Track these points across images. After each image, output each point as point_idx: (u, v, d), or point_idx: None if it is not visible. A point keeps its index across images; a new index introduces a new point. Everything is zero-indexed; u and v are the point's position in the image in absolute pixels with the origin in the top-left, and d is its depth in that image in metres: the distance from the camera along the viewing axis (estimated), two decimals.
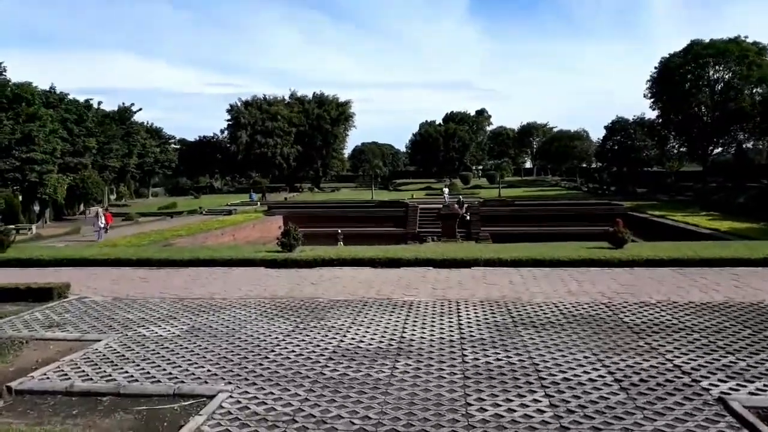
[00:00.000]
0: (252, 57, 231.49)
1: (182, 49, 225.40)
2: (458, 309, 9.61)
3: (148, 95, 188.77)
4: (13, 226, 39.47)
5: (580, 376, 6.51)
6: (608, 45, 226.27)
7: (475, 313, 9.35)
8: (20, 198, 46.34)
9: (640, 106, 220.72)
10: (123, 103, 76.61)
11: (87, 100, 61.49)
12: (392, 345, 7.76)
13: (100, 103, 67.97)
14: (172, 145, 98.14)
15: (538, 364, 6.92)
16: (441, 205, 50.24)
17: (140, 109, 78.81)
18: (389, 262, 14.47)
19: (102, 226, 31.39)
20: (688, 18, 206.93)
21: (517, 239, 45.21)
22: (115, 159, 67.11)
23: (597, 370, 6.72)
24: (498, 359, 7.13)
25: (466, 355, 7.27)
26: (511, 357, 7.21)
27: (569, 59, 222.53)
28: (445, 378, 6.48)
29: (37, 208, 50.96)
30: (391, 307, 9.84)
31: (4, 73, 45.08)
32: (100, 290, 12.28)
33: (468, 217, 45.82)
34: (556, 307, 9.72)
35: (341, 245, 42.59)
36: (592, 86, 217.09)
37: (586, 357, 7.19)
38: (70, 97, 57.20)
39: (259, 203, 63.63)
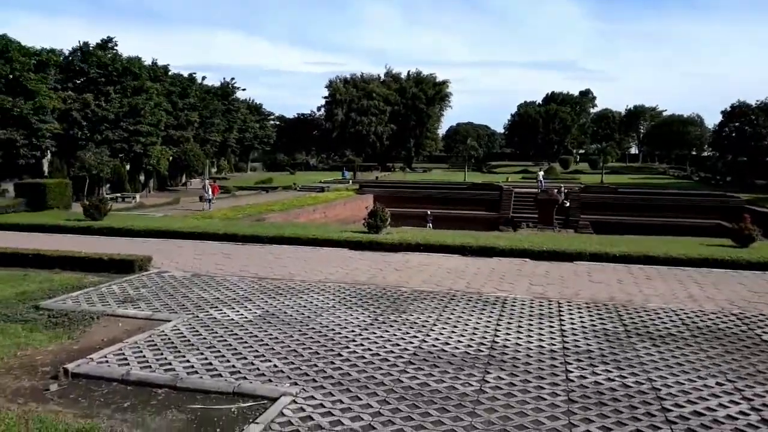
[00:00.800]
0: (351, 35, 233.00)
1: (283, 28, 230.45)
2: (560, 311, 8.39)
3: (250, 72, 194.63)
4: (119, 194, 41.70)
5: (715, 410, 5.21)
6: (731, 23, 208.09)
7: (580, 317, 8.11)
8: (127, 168, 48.77)
9: (765, 91, 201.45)
10: (225, 79, 78.90)
11: (191, 74, 63.72)
12: (482, 351, 6.73)
13: (204, 78, 70.29)
14: (271, 122, 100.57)
15: (659, 389, 5.67)
16: (538, 190, 48.03)
17: (244, 89, 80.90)
18: (481, 251, 13.35)
19: (209, 197, 32.79)
20: None
21: (620, 230, 42.45)
22: (216, 133, 69.38)
23: (736, 403, 5.38)
24: (610, 379, 5.93)
25: (571, 371, 6.12)
26: (625, 377, 5.99)
27: (684, 39, 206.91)
28: (545, 399, 5.40)
29: (142, 177, 53.70)
30: (482, 303, 8.77)
31: (115, 48, 47.25)
32: (181, 264, 12.05)
33: (567, 204, 43.42)
34: (677, 315, 8.27)
35: (430, 227, 41.62)
36: (709, 68, 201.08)
37: (719, 384, 5.85)
38: (174, 71, 59.40)
39: (350, 181, 63.83)
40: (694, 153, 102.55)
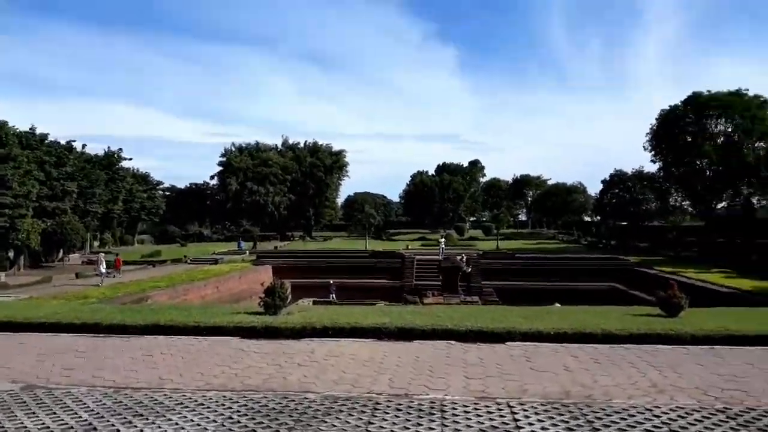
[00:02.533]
0: (246, 107, 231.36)
1: (176, 99, 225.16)
2: (515, 419, 6.51)
3: (143, 144, 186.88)
4: None
5: None
6: (597, 99, 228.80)
7: (543, 429, 6.26)
8: None
9: (637, 159, 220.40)
10: (109, 148, 74.06)
11: (69, 143, 58.93)
12: None
13: (84, 146, 65.37)
14: (161, 192, 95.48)
15: None
16: (439, 257, 47.51)
17: (130, 158, 76.22)
18: (399, 333, 11.38)
19: (104, 271, 33.80)
20: (675, 74, 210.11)
21: (522, 295, 42.42)
22: (98, 204, 64.06)
23: None
24: None
25: None
26: None
27: (559, 113, 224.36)
28: None
29: (11, 254, 47.74)
30: (416, 414, 6.69)
31: None
32: (14, 371, 9.07)
33: (468, 270, 42.97)
34: (656, 416, 6.64)
35: (333, 298, 39.38)
36: (585, 139, 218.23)
37: None
38: (51, 139, 54.60)
39: (247, 252, 60.56)
40: (579, 219, 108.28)
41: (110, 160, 72.40)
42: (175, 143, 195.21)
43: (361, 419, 6.49)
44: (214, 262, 52.04)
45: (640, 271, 47.10)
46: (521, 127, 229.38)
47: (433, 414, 6.66)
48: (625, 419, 6.48)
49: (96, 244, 73.77)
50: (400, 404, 7.03)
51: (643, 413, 6.70)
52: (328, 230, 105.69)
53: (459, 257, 43.00)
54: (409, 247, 63.08)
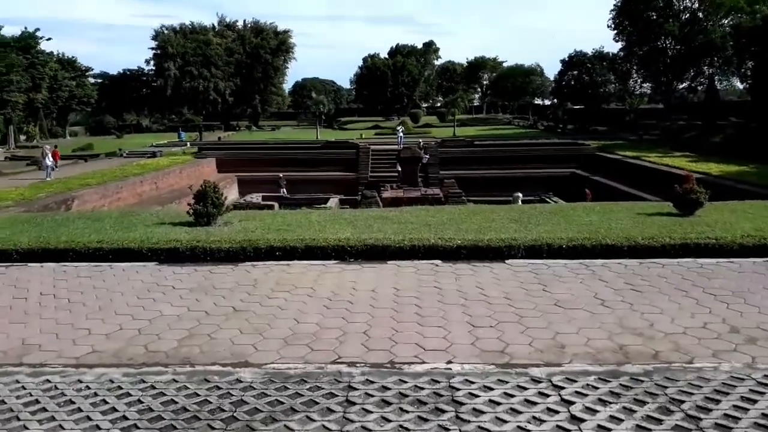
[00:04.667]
0: None
1: None
2: (572, 416, 4.06)
3: (66, 27, 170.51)
4: None
5: None
6: None
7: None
8: None
9: (597, 40, 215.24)
10: (26, 28, 65.60)
11: None
12: None
13: None
14: (92, 79, 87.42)
15: None
16: (397, 146, 44.77)
17: (49, 39, 67.72)
18: (369, 252, 8.75)
19: (49, 164, 31.19)
20: None
21: (483, 185, 40.44)
22: (17, 93, 57.58)
23: None
24: None
25: None
26: None
27: None
28: None
29: None
30: (412, 406, 4.17)
31: None
32: None
33: (427, 159, 40.54)
34: None
35: (284, 193, 36.56)
36: (543, 20, 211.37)
37: None
38: None
39: (189, 144, 56.22)
40: (536, 102, 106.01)
41: (27, 42, 64.33)
42: (102, 26, 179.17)
43: (329, 417, 3.92)
44: (152, 156, 47.86)
45: (601, 156, 45.62)
46: (478, 8, 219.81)
47: (440, 406, 4.14)
48: (739, 402, 4.13)
49: (22, 138, 67.59)
50: (387, 387, 4.49)
51: (754, 385, 4.37)
52: (276, 119, 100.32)
53: (417, 146, 40.29)
54: (363, 136, 59.82)
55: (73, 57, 79.74)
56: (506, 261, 8.40)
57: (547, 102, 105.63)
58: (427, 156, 40.78)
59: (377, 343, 5.48)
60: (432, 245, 8.75)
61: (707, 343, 5.36)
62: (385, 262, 8.47)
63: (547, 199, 34.51)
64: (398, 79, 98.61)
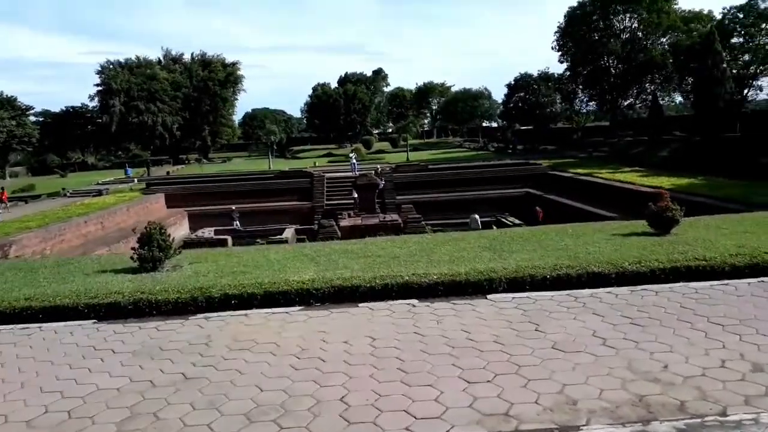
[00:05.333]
0: (127, 22, 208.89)
1: (50, 15, 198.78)
2: None
3: (8, 66, 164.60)
4: None
5: None
6: (501, 6, 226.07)
7: None
8: None
9: (543, 63, 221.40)
10: None
11: None
12: None
13: None
14: (33, 118, 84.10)
15: None
16: (352, 173, 44.13)
17: None
18: (337, 294, 7.89)
19: None
20: None
21: (439, 208, 40.10)
22: None
23: None
24: None
25: None
26: None
27: (464, 21, 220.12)
28: None
29: None
30: None
31: None
32: None
33: (382, 184, 39.94)
34: None
35: (237, 226, 35.22)
36: (490, 46, 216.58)
37: None
38: None
39: (136, 180, 54.18)
40: (485, 125, 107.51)
41: None
42: (49, 64, 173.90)
43: None
44: (98, 194, 45.72)
45: (554, 175, 45.98)
46: (423, 37, 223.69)
47: None
48: None
49: None
50: None
51: None
52: (227, 150, 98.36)
53: (373, 172, 39.72)
54: (317, 164, 58.95)
55: (12, 96, 76.76)
56: (488, 296, 7.67)
57: (495, 125, 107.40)
58: (383, 182, 40.26)
59: (359, 413, 4.60)
60: (406, 282, 7.95)
61: (734, 386, 4.71)
62: (356, 305, 7.61)
63: (504, 220, 34.31)
64: (349, 106, 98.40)
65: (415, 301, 7.63)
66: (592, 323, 6.43)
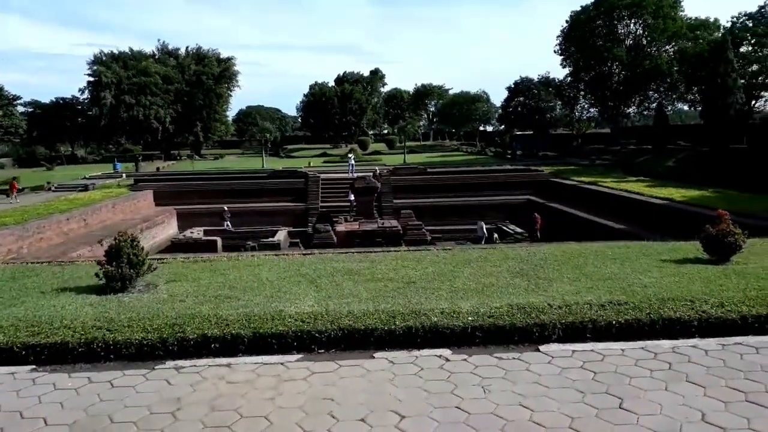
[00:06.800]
0: (125, 16, 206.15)
1: (46, 5, 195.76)
2: None
3: (5, 55, 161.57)
4: None
5: None
6: (501, 8, 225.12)
7: None
8: None
9: (543, 67, 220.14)
10: None
11: None
12: None
13: None
14: (21, 108, 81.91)
15: None
16: (349, 175, 42.47)
17: None
18: (345, 339, 6.20)
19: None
20: None
21: (438, 213, 38.50)
22: None
23: None
24: None
25: None
26: None
27: (461, 24, 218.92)
28: None
29: None
30: None
31: None
32: None
33: (378, 187, 38.29)
34: None
35: (228, 226, 33.47)
36: (488, 49, 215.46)
37: None
38: None
39: (124, 175, 52.19)
40: (482, 129, 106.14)
41: None
42: (43, 55, 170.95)
43: None
44: (83, 189, 43.70)
45: (556, 182, 44.45)
46: (423, 38, 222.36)
47: None
48: None
49: None
50: None
51: None
52: (219, 147, 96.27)
53: (371, 174, 38.03)
54: (312, 164, 57.20)
55: None
56: (540, 348, 6.00)
57: (490, 128, 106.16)
58: (379, 184, 38.64)
59: None
60: (434, 326, 6.25)
61: None
62: (371, 355, 5.91)
63: (505, 227, 32.83)
64: (346, 106, 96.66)
65: (447, 352, 5.94)
66: (694, 399, 4.78)
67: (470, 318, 6.40)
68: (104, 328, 6.45)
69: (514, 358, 5.73)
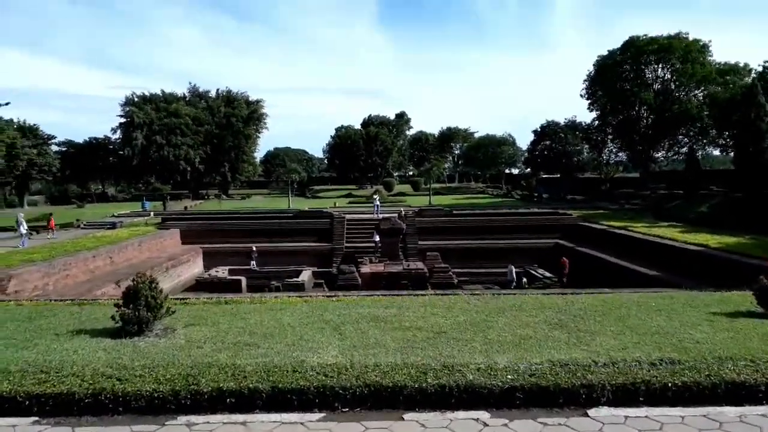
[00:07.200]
0: (154, 59, 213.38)
1: (79, 48, 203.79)
2: None
3: (38, 96, 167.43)
4: None
5: None
6: (523, 52, 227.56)
7: None
8: None
9: (569, 111, 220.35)
10: None
11: None
12: None
13: None
14: (54, 148, 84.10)
15: None
16: (374, 216, 42.18)
17: (7, 103, 64.47)
18: (372, 396, 5.70)
19: (24, 232, 30.70)
20: (589, 26, 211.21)
21: (465, 256, 37.68)
22: None
23: None
24: None
25: None
26: None
27: (481, 68, 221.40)
28: None
29: None
30: None
31: None
32: None
33: (403, 228, 37.85)
34: None
35: (254, 266, 33.24)
36: (512, 94, 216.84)
37: None
38: None
39: (152, 214, 52.68)
40: (508, 172, 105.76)
41: None
42: (77, 96, 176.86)
43: None
44: (111, 227, 44.14)
45: (585, 226, 43.44)
46: (446, 83, 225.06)
47: None
48: None
49: None
50: None
51: None
52: (247, 187, 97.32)
53: (396, 215, 37.68)
54: (337, 204, 57.20)
55: (35, 125, 76.81)
56: (589, 412, 5.40)
57: (516, 171, 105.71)
58: (404, 225, 38.23)
59: None
60: (470, 384, 5.70)
61: None
62: (401, 417, 5.37)
63: (534, 272, 31.97)
64: (371, 148, 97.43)
65: (485, 416, 5.38)
66: None
67: (509, 376, 5.84)
68: (114, 377, 6.03)
69: (560, 424, 5.14)
